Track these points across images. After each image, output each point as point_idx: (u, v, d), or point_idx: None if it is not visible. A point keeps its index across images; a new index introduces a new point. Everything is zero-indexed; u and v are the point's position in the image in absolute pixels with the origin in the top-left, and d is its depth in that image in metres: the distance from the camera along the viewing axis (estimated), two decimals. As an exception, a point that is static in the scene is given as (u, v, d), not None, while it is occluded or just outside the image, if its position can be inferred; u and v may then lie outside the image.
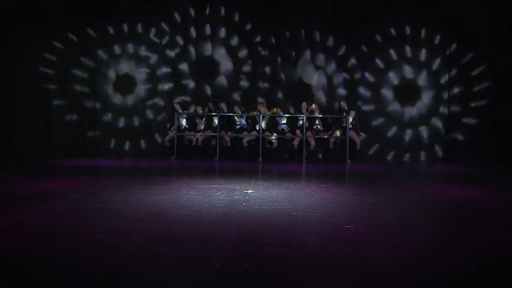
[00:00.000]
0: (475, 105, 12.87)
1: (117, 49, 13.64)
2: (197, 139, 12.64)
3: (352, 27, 13.11)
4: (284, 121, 12.45)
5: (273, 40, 13.45)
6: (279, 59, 13.46)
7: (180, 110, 12.69)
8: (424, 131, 13.31)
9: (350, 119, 12.20)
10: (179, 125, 12.63)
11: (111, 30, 13.59)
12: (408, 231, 4.47)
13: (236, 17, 13.53)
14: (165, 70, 13.63)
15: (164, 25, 13.54)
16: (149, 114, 13.62)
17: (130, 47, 13.61)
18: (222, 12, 13.51)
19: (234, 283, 2.98)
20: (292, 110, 13.15)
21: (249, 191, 6.47)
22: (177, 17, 13.56)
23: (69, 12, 12.56)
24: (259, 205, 5.44)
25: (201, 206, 5.29)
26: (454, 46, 13.12)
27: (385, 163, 12.49)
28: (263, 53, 13.47)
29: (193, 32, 13.55)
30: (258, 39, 13.49)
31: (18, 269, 3.13)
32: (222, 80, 13.57)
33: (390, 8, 12.99)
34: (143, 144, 13.62)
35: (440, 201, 6.17)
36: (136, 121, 13.62)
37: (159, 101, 13.63)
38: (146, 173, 9.07)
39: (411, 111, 13.38)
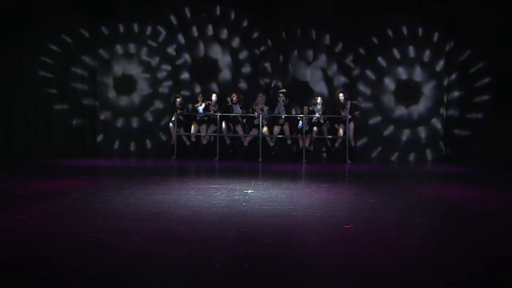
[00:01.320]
0: (475, 106, 12.87)
1: (117, 49, 13.62)
2: (200, 138, 12.66)
3: (352, 27, 13.11)
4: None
5: (273, 40, 13.43)
6: (281, 58, 13.45)
7: (178, 105, 12.59)
8: (424, 131, 13.30)
9: (346, 111, 12.18)
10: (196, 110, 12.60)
11: (111, 30, 13.58)
12: (408, 231, 4.47)
13: (236, 17, 13.51)
14: (165, 70, 13.61)
15: (164, 25, 13.52)
16: (149, 114, 13.61)
17: (130, 47, 13.59)
18: (224, 13, 13.50)
19: (234, 283, 2.98)
20: (292, 111, 13.11)
21: (249, 191, 6.47)
22: (177, 17, 13.55)
23: (69, 12, 12.55)
24: (259, 205, 5.44)
25: (201, 206, 5.29)
26: (452, 43, 13.12)
27: (384, 163, 12.49)
28: (262, 52, 13.46)
29: (193, 32, 13.52)
30: (257, 39, 13.46)
31: (18, 269, 3.13)
32: (222, 79, 13.55)
33: (390, 8, 12.99)
34: (143, 144, 13.60)
35: (440, 201, 6.17)
36: (136, 121, 13.61)
37: (159, 101, 13.61)
38: (146, 173, 9.07)
39: (411, 111, 13.36)
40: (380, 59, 13.38)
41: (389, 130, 13.39)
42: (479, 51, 12.63)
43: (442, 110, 13.28)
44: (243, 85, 13.52)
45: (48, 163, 10.24)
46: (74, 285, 2.89)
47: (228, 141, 12.71)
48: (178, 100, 12.72)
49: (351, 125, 12.34)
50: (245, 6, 13.40)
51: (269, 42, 13.43)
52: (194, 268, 3.22)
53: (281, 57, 13.45)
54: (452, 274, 3.18)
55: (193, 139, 12.74)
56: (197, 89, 13.47)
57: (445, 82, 13.28)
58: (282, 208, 5.28)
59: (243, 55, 13.53)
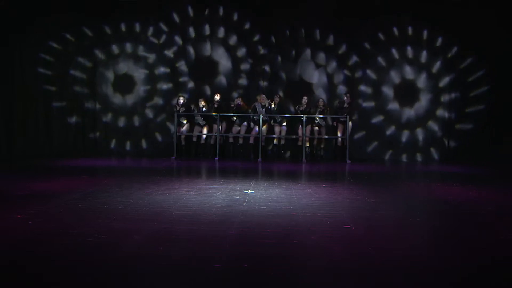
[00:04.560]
0: (474, 104, 12.92)
1: (116, 48, 13.59)
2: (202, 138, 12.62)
3: (351, 27, 13.09)
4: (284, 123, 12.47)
5: (272, 39, 13.41)
6: (279, 58, 13.43)
7: (180, 106, 12.50)
8: (423, 131, 13.28)
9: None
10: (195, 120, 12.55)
11: (110, 30, 13.54)
12: (408, 231, 4.47)
13: (235, 17, 13.48)
14: (164, 69, 13.59)
15: (163, 25, 13.49)
16: (149, 113, 13.58)
17: (129, 47, 13.55)
18: (221, 12, 13.48)
19: (234, 283, 2.98)
20: (292, 109, 13.10)
21: (249, 191, 6.47)
22: (177, 17, 13.52)
23: (68, 12, 12.53)
24: (259, 205, 5.44)
25: (201, 206, 5.28)
26: (452, 47, 13.14)
27: (384, 163, 12.48)
28: (262, 51, 13.43)
29: (192, 32, 13.50)
30: (257, 38, 13.44)
31: (18, 269, 3.13)
32: (221, 79, 13.53)
33: (388, 9, 12.96)
34: (143, 144, 13.58)
35: (440, 201, 6.17)
36: (136, 121, 13.58)
37: (158, 101, 13.59)
38: (146, 173, 9.06)
39: (410, 112, 13.34)
40: (378, 60, 13.36)
41: (390, 130, 13.37)
42: (476, 51, 12.67)
43: (441, 111, 13.26)
44: (243, 81, 13.50)
45: (48, 163, 10.23)
46: (74, 285, 2.89)
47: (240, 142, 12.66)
48: (181, 100, 12.61)
49: (350, 125, 12.33)
50: (243, 5, 13.36)
51: (268, 41, 13.41)
52: (194, 268, 3.21)
53: (279, 57, 13.42)
54: (452, 274, 3.18)
55: (194, 139, 12.71)
56: (195, 86, 13.45)
57: (444, 82, 13.25)
58: (282, 208, 5.28)
59: (241, 53, 13.50)
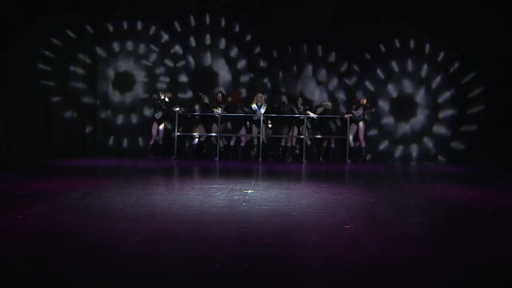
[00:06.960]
0: (474, 105, 12.93)
1: (116, 46, 13.53)
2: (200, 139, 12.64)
3: (350, 34, 13.01)
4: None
5: (270, 46, 13.33)
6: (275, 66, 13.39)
7: (162, 98, 12.42)
8: (425, 139, 13.24)
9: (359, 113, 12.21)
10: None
11: (110, 28, 13.50)
12: (408, 231, 4.47)
13: (236, 28, 13.41)
14: (164, 68, 13.54)
15: (163, 25, 13.44)
16: (148, 112, 13.49)
17: (129, 45, 13.49)
18: (223, 22, 13.43)
19: (234, 283, 2.98)
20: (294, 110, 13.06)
21: (249, 191, 6.47)
22: (177, 23, 13.45)
23: (69, 10, 12.51)
24: (259, 205, 5.43)
25: (201, 206, 5.28)
26: (443, 54, 13.13)
27: (385, 163, 12.48)
28: (262, 64, 13.38)
29: (192, 41, 13.45)
30: (257, 50, 13.39)
31: (18, 269, 3.13)
32: (220, 86, 13.46)
33: (388, 14, 12.88)
34: (142, 143, 13.52)
35: (440, 201, 6.17)
36: (135, 119, 13.53)
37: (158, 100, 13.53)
38: (146, 173, 9.06)
39: (409, 116, 13.31)
40: (378, 69, 13.31)
41: (390, 128, 13.36)
42: (470, 54, 12.69)
43: (443, 112, 13.23)
44: (244, 81, 13.50)
45: (48, 163, 10.23)
46: (74, 285, 2.89)
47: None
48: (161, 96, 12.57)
49: (362, 125, 12.26)
50: (239, 10, 13.28)
51: (266, 46, 13.34)
52: (194, 268, 3.22)
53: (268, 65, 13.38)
54: (452, 274, 3.18)
55: (196, 140, 12.69)
56: (194, 88, 13.44)
57: (439, 80, 13.23)
58: (282, 208, 5.28)
59: (241, 63, 13.48)
